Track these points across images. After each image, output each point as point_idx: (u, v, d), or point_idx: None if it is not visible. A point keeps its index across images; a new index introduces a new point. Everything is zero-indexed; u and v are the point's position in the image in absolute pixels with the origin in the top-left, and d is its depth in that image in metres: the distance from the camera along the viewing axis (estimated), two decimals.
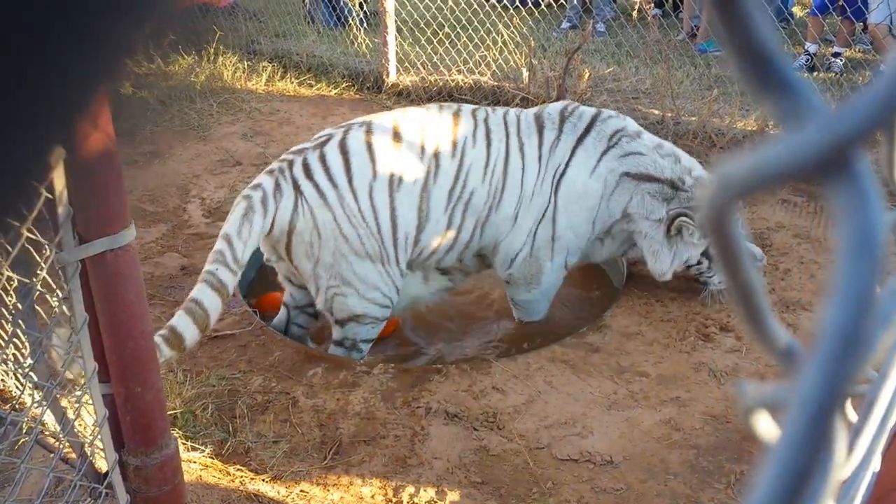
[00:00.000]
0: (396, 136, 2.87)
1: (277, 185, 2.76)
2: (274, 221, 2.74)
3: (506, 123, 3.01)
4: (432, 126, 2.92)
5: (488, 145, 2.95)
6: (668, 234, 2.98)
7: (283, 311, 3.21)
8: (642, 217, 3.00)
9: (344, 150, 2.82)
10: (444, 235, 2.93)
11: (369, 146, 2.84)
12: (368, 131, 2.87)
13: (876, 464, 0.57)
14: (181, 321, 2.47)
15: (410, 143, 2.87)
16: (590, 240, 3.10)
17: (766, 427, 0.34)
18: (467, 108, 3.06)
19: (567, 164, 2.98)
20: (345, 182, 2.78)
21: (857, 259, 0.21)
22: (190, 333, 2.47)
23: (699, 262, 3.06)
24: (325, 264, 2.81)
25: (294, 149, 2.93)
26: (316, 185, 2.77)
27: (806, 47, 6.44)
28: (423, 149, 2.87)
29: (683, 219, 2.92)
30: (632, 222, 3.04)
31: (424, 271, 3.08)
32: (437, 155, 2.88)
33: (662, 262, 3.03)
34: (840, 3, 6.01)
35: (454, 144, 2.91)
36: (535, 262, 3.06)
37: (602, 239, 3.14)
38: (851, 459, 0.46)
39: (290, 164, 2.81)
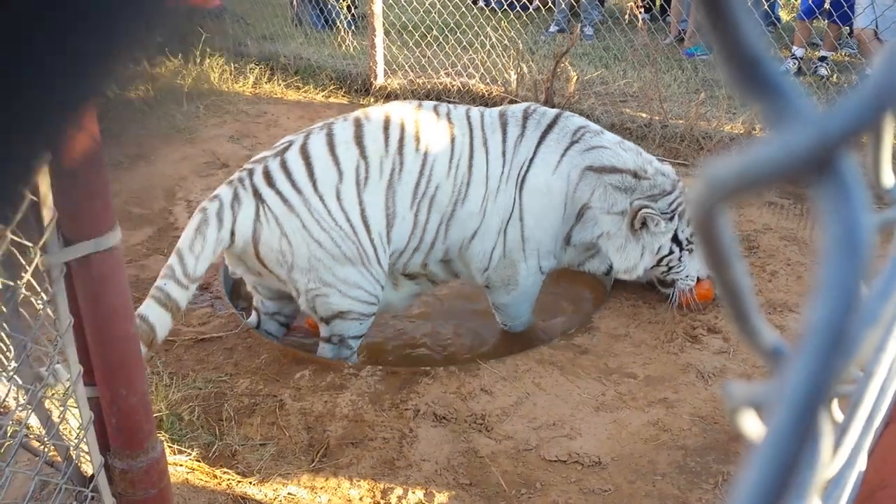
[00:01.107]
0: (358, 136, 2.85)
1: (236, 196, 2.71)
2: (234, 233, 2.69)
3: (468, 119, 3.00)
4: (395, 123, 2.90)
5: (451, 140, 2.93)
6: (632, 229, 2.97)
7: (253, 315, 3.19)
8: (604, 212, 2.97)
9: (305, 155, 2.79)
10: (411, 233, 2.91)
11: (331, 149, 2.81)
12: (329, 134, 2.84)
13: (862, 463, 0.58)
14: None
15: (373, 141, 2.85)
16: (559, 242, 3.10)
17: (752, 426, 0.35)
18: (428, 104, 3.04)
19: (531, 162, 2.96)
20: (309, 187, 2.75)
21: (842, 257, 0.22)
22: None
23: (671, 252, 3.05)
24: (301, 269, 2.77)
25: (255, 158, 2.89)
26: (279, 193, 2.72)
27: (793, 51, 6.49)
28: (386, 146, 2.85)
29: (647, 210, 2.91)
30: (595, 225, 3.02)
31: (392, 276, 3.04)
32: (400, 152, 2.86)
33: (630, 258, 3.01)
34: (826, 7, 6.07)
35: (417, 140, 2.89)
36: (510, 264, 3.04)
37: (564, 247, 3.13)
38: (837, 458, 0.46)
39: (251, 172, 2.77)
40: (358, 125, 2.87)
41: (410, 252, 2.95)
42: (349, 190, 2.79)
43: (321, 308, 2.87)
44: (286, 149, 2.82)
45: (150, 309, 2.52)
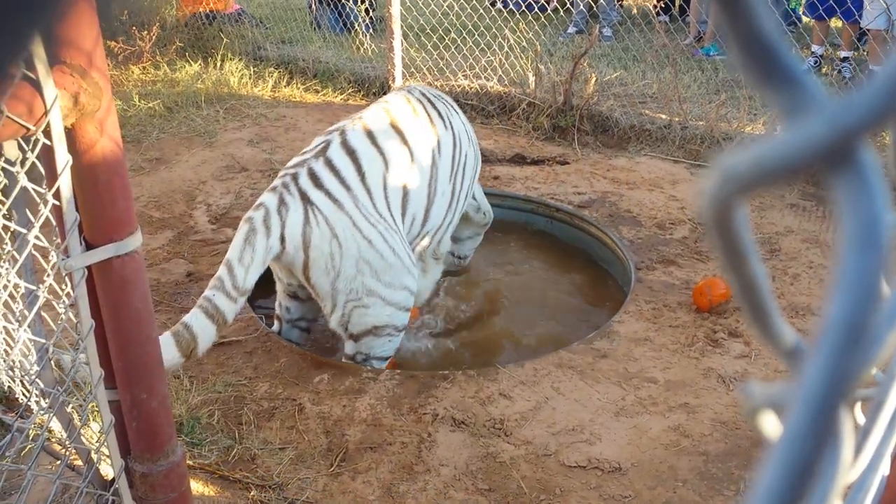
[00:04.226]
0: (394, 123, 2.93)
1: (282, 201, 2.65)
2: (284, 239, 2.63)
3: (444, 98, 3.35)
4: (419, 108, 3.07)
5: (458, 112, 3.32)
6: None
7: (275, 324, 3.16)
8: None
9: (349, 150, 2.78)
10: (448, 206, 3.10)
11: (373, 140, 2.83)
12: (366, 126, 2.87)
13: (885, 467, 0.56)
14: (165, 340, 2.33)
15: (409, 125, 2.96)
16: None
17: (772, 428, 0.34)
18: (416, 90, 3.26)
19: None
20: (357, 182, 2.73)
21: (860, 251, 0.21)
22: (170, 355, 2.33)
23: None
24: (346, 277, 2.69)
25: (294, 161, 2.84)
26: (328, 193, 2.68)
27: (813, 49, 6.45)
28: (422, 128, 2.99)
29: None
30: None
31: (423, 261, 3.12)
32: (436, 130, 3.05)
33: None
34: (847, 6, 6.02)
35: (441, 118, 3.12)
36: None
37: None
38: (859, 462, 0.45)
39: (295, 176, 2.71)
40: (388, 113, 2.96)
41: (447, 226, 3.13)
42: (396, 178, 2.83)
43: (356, 322, 2.78)
44: (325, 148, 2.80)
45: (195, 318, 2.46)
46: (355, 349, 2.87)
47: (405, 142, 2.89)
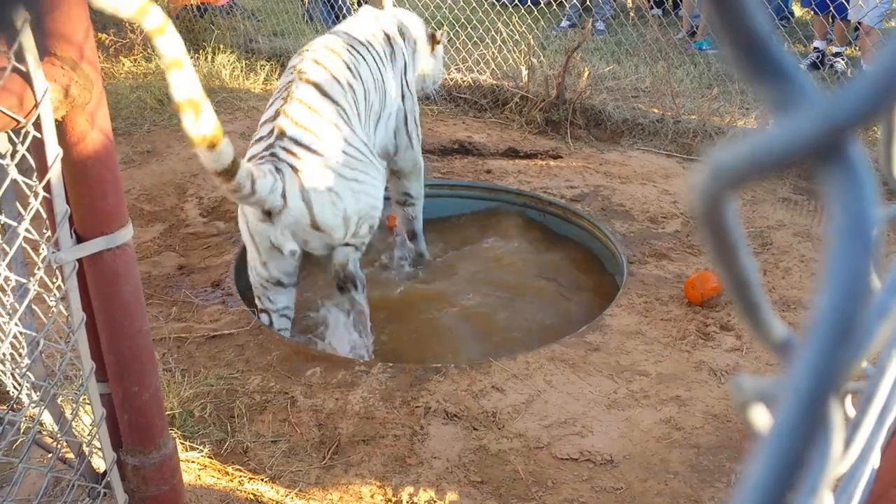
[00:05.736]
0: (336, 78, 3.02)
1: (276, 169, 2.74)
2: (285, 197, 2.71)
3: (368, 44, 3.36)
4: (346, 54, 3.15)
5: (364, 59, 3.32)
6: None
7: (264, 316, 3.14)
8: None
9: (305, 102, 2.88)
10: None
11: (319, 88, 2.92)
12: (316, 84, 2.93)
13: (875, 460, 0.57)
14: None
15: (338, 72, 3.04)
16: None
17: (762, 420, 0.34)
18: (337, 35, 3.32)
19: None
20: (330, 129, 2.87)
21: (849, 244, 0.21)
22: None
23: None
24: (353, 209, 2.86)
25: (260, 146, 2.87)
26: (307, 148, 2.78)
27: (815, 44, 6.46)
28: (350, 71, 3.09)
29: None
30: None
31: None
32: (360, 76, 3.15)
33: None
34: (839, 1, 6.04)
35: (366, 61, 3.23)
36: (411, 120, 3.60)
37: None
38: (849, 454, 0.45)
39: (271, 148, 2.79)
40: (325, 66, 3.02)
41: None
42: (360, 112, 3.08)
43: (364, 232, 2.98)
44: (286, 108, 2.86)
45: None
46: (356, 256, 3.01)
47: (345, 80, 3.03)
